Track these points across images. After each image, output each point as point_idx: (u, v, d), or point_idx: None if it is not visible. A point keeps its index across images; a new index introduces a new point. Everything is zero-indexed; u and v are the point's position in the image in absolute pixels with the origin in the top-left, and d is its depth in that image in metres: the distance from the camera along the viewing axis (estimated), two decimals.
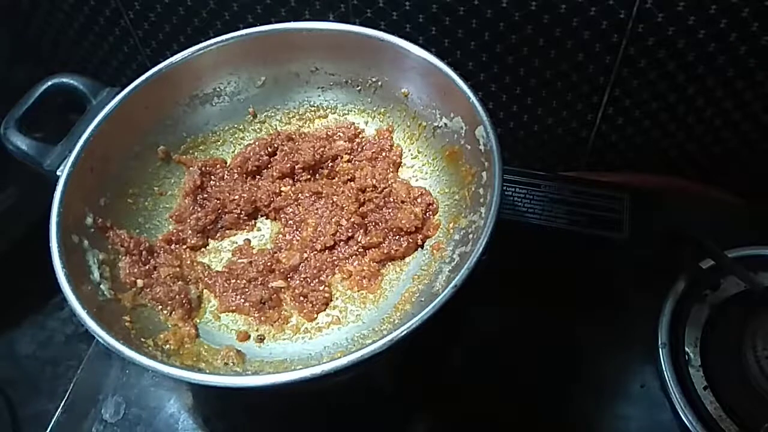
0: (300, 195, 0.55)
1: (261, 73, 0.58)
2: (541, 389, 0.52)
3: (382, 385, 0.52)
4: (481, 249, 0.42)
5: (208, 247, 0.55)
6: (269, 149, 0.57)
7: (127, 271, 0.49)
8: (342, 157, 0.57)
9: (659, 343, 0.51)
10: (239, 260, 0.53)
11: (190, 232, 0.54)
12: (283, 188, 0.56)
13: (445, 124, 0.54)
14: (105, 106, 0.51)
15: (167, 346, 0.46)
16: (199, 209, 0.55)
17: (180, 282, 0.50)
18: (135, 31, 0.73)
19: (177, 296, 0.49)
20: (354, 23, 0.63)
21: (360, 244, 0.52)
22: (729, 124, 0.65)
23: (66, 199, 0.47)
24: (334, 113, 0.59)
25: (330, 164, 0.57)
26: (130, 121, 0.53)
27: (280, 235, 0.54)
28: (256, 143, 0.58)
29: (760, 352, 0.48)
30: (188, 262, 0.53)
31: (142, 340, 0.45)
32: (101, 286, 0.46)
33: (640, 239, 0.59)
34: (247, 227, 0.56)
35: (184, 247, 0.53)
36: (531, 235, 0.60)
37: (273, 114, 0.60)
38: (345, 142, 0.57)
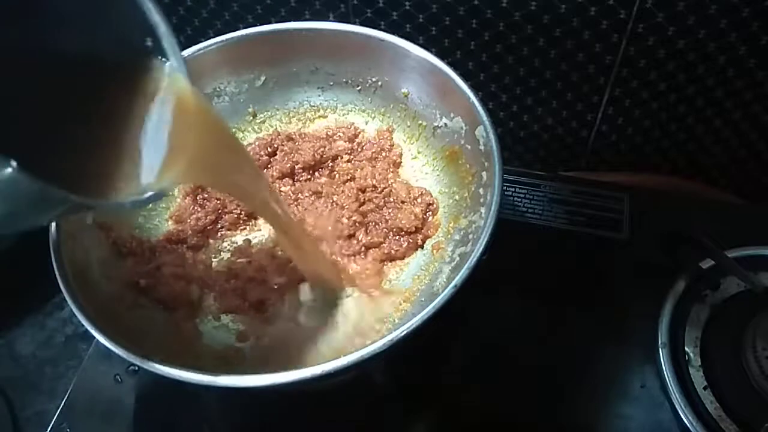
0: (300, 194, 0.55)
1: (261, 73, 0.58)
2: (541, 389, 0.52)
3: (382, 385, 0.52)
4: (481, 249, 0.42)
5: (208, 247, 0.55)
6: (269, 149, 0.57)
7: (131, 271, 0.49)
8: (342, 157, 0.57)
9: (659, 343, 0.51)
10: (238, 260, 0.53)
11: (190, 232, 0.54)
12: (282, 188, 0.56)
13: (445, 124, 0.54)
14: None
15: (167, 346, 0.46)
16: (199, 209, 0.55)
17: (182, 282, 0.50)
18: None
19: (179, 296, 0.49)
20: (354, 23, 0.63)
21: (362, 243, 0.52)
22: (729, 124, 0.65)
23: None
24: (334, 113, 0.59)
25: (330, 164, 0.57)
26: None
27: None
28: (256, 143, 0.58)
29: (760, 352, 0.48)
30: (190, 261, 0.53)
31: (143, 340, 0.45)
32: (101, 286, 0.46)
33: (640, 239, 0.59)
34: (247, 227, 0.56)
35: (185, 246, 0.53)
36: (531, 235, 0.60)
37: (273, 114, 0.60)
38: (345, 142, 0.57)
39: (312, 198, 0.55)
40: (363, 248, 0.52)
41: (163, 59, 0.34)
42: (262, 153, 0.57)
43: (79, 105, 0.31)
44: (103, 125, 0.32)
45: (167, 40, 0.33)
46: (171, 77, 0.34)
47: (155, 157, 0.33)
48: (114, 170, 0.32)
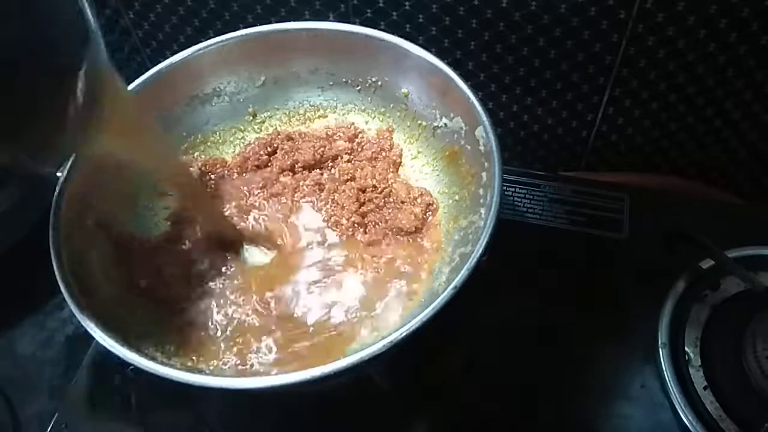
0: (300, 183, 0.55)
1: (261, 73, 0.58)
2: (541, 389, 0.52)
3: (381, 385, 0.52)
4: (481, 249, 0.42)
5: None
6: (269, 149, 0.57)
7: (131, 271, 0.49)
8: (342, 157, 0.57)
9: (659, 343, 0.51)
10: None
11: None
12: (282, 178, 0.56)
13: (445, 124, 0.54)
14: None
15: (168, 347, 0.46)
16: None
17: (182, 282, 0.50)
18: (135, 31, 0.73)
19: (179, 296, 0.49)
20: (354, 23, 0.63)
21: (361, 243, 0.52)
22: (729, 124, 0.65)
23: (66, 199, 0.47)
24: (334, 113, 0.59)
25: (330, 164, 0.57)
26: None
27: None
28: (256, 143, 0.58)
29: (760, 352, 0.48)
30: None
31: (143, 341, 0.45)
32: (101, 286, 0.46)
33: (640, 239, 0.59)
34: None
35: (185, 247, 0.53)
36: (531, 235, 0.60)
37: (273, 114, 0.60)
38: (345, 142, 0.57)
39: (314, 188, 0.55)
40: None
41: (92, 52, 0.39)
42: (261, 152, 0.57)
43: (31, 79, 0.34)
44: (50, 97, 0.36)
45: (93, 32, 0.39)
46: (97, 67, 0.39)
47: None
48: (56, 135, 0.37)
